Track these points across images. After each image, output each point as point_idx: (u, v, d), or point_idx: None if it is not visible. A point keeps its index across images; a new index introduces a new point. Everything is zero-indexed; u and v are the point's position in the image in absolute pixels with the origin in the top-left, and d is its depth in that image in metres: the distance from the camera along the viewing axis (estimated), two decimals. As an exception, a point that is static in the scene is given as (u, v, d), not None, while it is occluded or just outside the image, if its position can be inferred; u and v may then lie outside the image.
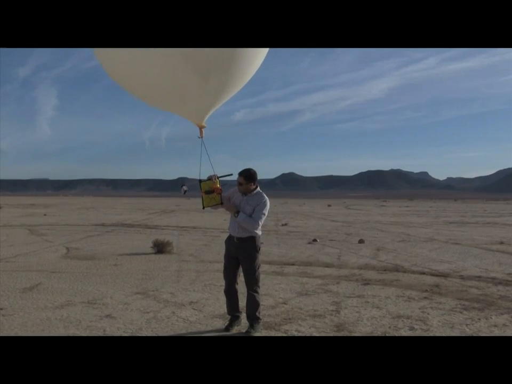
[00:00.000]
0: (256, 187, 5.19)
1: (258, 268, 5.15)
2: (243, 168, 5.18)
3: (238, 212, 5.06)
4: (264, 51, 4.92)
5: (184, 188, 5.11)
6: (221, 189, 5.01)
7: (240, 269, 5.21)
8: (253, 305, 5.10)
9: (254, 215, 5.05)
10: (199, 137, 5.00)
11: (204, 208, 5.11)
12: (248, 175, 5.12)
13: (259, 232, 5.16)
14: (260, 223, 5.05)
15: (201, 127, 5.03)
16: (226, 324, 5.25)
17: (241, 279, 5.26)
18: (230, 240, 5.26)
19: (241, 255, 5.13)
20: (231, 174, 5.17)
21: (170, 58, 4.25)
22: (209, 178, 5.01)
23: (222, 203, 5.04)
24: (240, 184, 5.13)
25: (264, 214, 5.10)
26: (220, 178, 5.05)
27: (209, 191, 4.99)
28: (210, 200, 5.02)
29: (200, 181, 4.99)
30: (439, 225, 21.80)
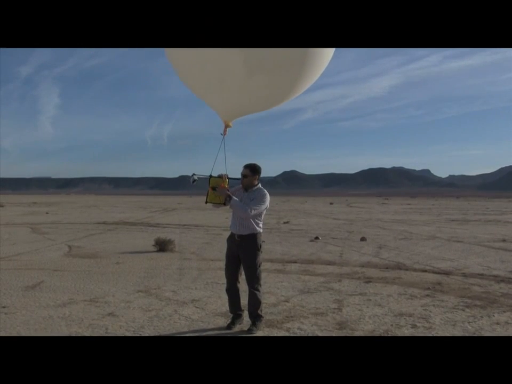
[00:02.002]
0: (258, 183, 5.21)
1: (259, 266, 5.14)
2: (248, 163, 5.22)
3: (230, 197, 4.99)
4: (324, 63, 4.67)
5: (194, 177, 5.10)
6: (227, 189, 5.01)
7: (242, 267, 5.21)
8: (254, 303, 5.10)
9: (250, 203, 5.03)
10: (221, 134, 4.98)
11: (206, 202, 5.12)
12: (253, 168, 5.15)
13: (260, 229, 5.17)
14: (250, 211, 4.96)
15: (227, 126, 5.00)
16: (228, 322, 5.25)
17: (242, 277, 5.26)
18: (231, 238, 5.25)
19: (242, 253, 5.12)
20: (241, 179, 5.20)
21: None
22: (220, 176, 5.02)
23: (224, 204, 5.05)
24: (245, 176, 5.13)
25: (260, 206, 5.05)
26: (229, 179, 5.05)
27: (216, 188, 5.00)
28: (214, 197, 5.03)
29: (210, 176, 5.00)
30: (441, 223, 21.78)
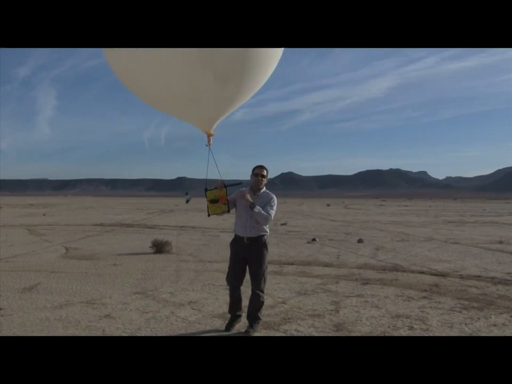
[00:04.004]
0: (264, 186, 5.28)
1: (266, 268, 5.16)
2: (257, 165, 5.25)
3: (253, 204, 5.01)
4: (278, 54, 4.90)
5: (187, 197, 5.13)
6: (226, 199, 5.01)
7: (246, 271, 5.20)
8: (256, 305, 5.10)
9: (264, 209, 5.07)
10: (206, 145, 4.99)
11: (209, 215, 5.14)
12: (267, 170, 5.25)
13: (268, 231, 5.20)
14: (272, 217, 5.10)
15: (209, 135, 5.01)
16: (226, 323, 5.24)
17: (245, 279, 5.25)
18: (237, 242, 5.20)
19: (251, 255, 5.10)
20: (241, 183, 5.21)
21: (189, 64, 4.20)
22: (216, 187, 5.02)
23: (229, 211, 5.07)
24: (263, 176, 5.17)
25: (274, 209, 5.15)
26: (227, 187, 5.05)
27: (214, 200, 5.00)
28: (215, 208, 5.03)
29: (206, 189, 5.01)
30: (438, 225, 21.82)
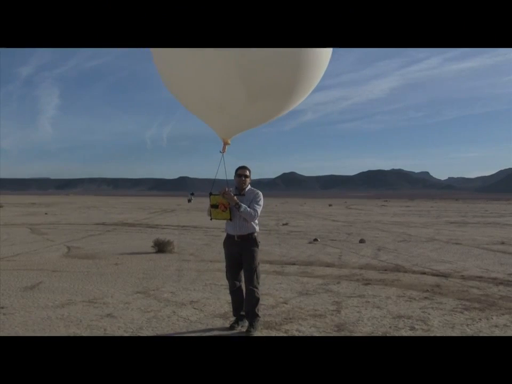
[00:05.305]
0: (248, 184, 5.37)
1: (258, 264, 5.23)
2: (240, 166, 5.35)
3: (239, 204, 5.07)
4: (314, 83, 4.79)
5: (190, 197, 5.19)
6: (225, 206, 5.09)
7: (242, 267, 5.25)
8: (252, 301, 5.13)
9: (251, 206, 5.17)
10: (220, 152, 5.00)
11: (211, 219, 5.23)
12: (250, 170, 5.35)
13: (257, 228, 5.28)
14: (258, 213, 5.18)
15: (226, 143, 5.04)
16: (231, 322, 5.27)
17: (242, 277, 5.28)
18: (229, 240, 5.29)
19: (243, 252, 5.17)
20: (244, 195, 5.26)
21: (225, 72, 4.18)
22: (219, 193, 5.10)
23: (231, 219, 5.15)
24: (246, 177, 5.28)
25: (260, 205, 5.24)
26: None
27: (215, 206, 5.11)
28: (217, 213, 5.16)
29: (210, 193, 5.12)
30: (440, 225, 21.78)
